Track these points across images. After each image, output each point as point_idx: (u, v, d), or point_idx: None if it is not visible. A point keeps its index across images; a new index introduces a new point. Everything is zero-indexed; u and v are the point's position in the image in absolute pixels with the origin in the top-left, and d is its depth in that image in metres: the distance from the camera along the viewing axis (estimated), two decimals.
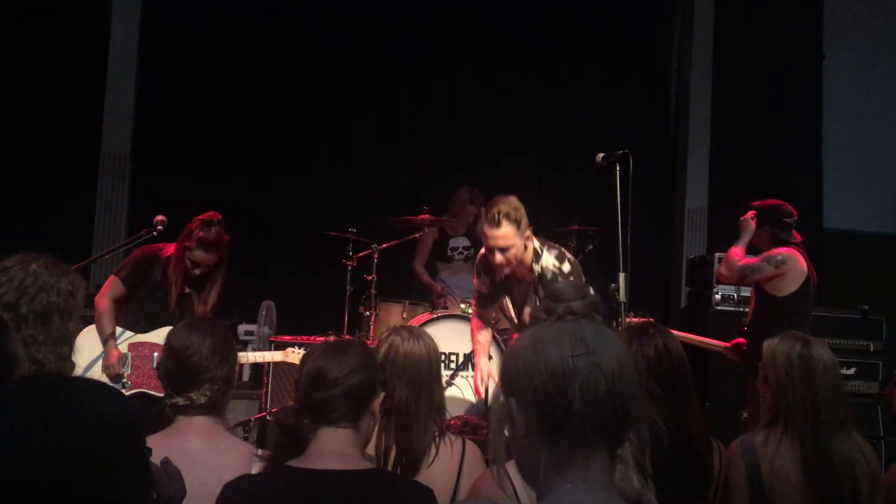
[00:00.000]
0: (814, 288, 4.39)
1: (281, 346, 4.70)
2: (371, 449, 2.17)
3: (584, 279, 3.61)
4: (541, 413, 1.15)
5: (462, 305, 5.27)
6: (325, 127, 6.61)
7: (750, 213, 4.45)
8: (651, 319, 4.04)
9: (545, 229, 4.59)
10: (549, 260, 3.54)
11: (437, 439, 2.26)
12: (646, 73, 7.33)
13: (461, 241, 5.81)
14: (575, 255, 5.40)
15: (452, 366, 4.98)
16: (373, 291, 5.08)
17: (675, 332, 4.37)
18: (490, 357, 4.18)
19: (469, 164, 6.79)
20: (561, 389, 1.13)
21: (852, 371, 5.54)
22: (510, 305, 3.86)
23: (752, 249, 4.46)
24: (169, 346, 2.14)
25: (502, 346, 4.81)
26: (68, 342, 2.21)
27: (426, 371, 2.29)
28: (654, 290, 7.11)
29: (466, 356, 4.90)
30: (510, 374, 1.20)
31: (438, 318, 5.03)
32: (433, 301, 5.46)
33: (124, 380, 3.93)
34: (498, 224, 3.39)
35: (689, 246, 7.12)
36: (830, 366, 2.38)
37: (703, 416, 2.41)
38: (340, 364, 1.86)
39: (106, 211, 6.20)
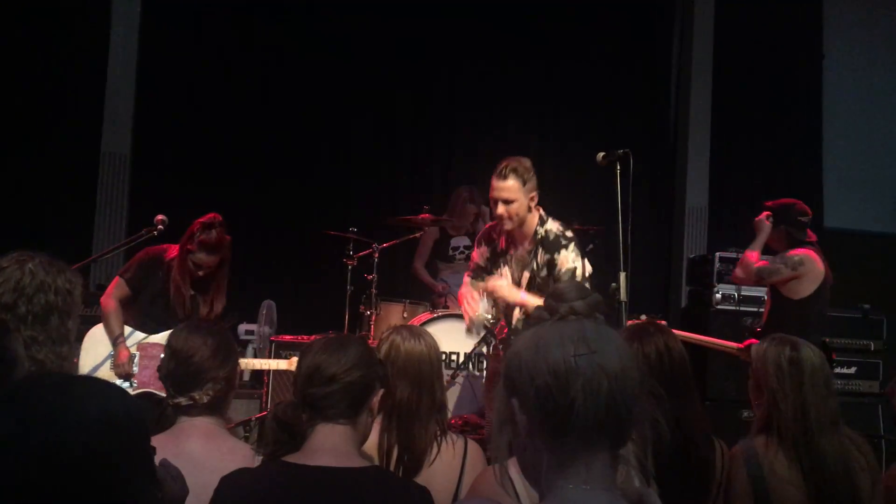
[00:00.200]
0: (829, 288, 4.28)
1: (282, 346, 4.70)
2: (373, 448, 2.17)
3: (583, 252, 3.64)
4: (543, 413, 1.15)
5: None
6: (326, 126, 6.61)
7: (764, 214, 4.34)
8: (664, 322, 3.99)
9: None
10: (553, 224, 3.63)
11: (439, 438, 2.26)
12: (646, 73, 7.33)
13: (462, 241, 5.81)
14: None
15: (453, 365, 4.97)
16: (373, 291, 5.08)
17: (685, 334, 4.38)
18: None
19: (469, 164, 6.79)
20: (563, 389, 1.13)
21: (853, 370, 5.54)
22: None
23: (765, 250, 4.37)
24: (170, 348, 2.15)
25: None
26: (68, 341, 2.19)
27: (427, 370, 2.29)
28: (655, 289, 7.11)
29: (467, 355, 4.90)
30: (512, 373, 1.20)
31: (439, 318, 5.03)
32: (434, 300, 5.46)
33: (132, 379, 3.96)
34: (504, 177, 3.51)
35: (690, 245, 7.13)
36: (819, 367, 2.38)
37: (705, 415, 2.41)
38: (339, 360, 1.85)
39: (106, 210, 6.20)
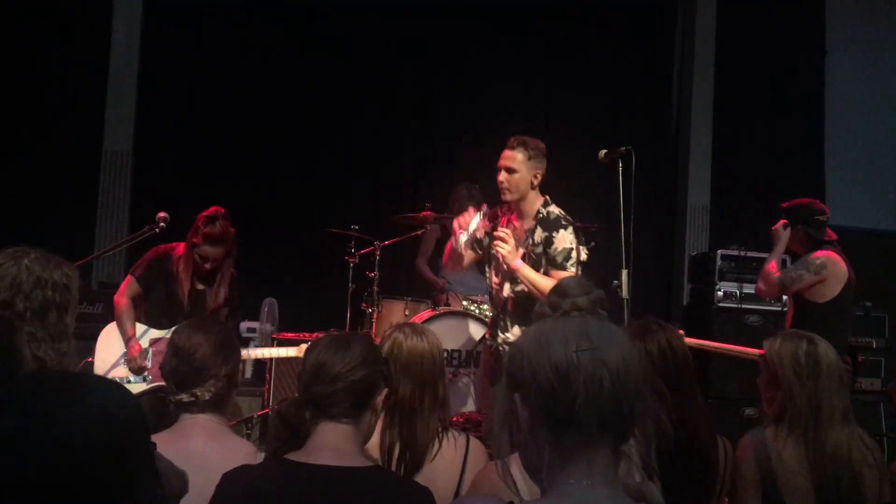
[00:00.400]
0: (853, 288, 4.12)
1: (283, 344, 4.70)
2: (375, 444, 2.17)
3: (580, 241, 3.66)
4: (545, 408, 1.15)
5: (464, 303, 5.27)
6: (327, 124, 6.61)
7: (781, 222, 4.22)
8: (682, 332, 3.92)
9: None
10: (556, 209, 3.68)
11: (441, 435, 2.26)
12: (648, 70, 7.32)
13: None
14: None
15: (454, 363, 4.98)
16: (375, 288, 5.08)
17: (706, 342, 4.33)
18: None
19: (470, 161, 6.78)
20: (565, 385, 1.14)
21: None
22: (493, 274, 3.87)
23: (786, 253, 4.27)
24: (173, 345, 2.15)
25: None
26: (67, 337, 2.17)
27: (430, 367, 2.29)
28: (657, 286, 7.11)
29: (468, 353, 4.90)
30: (515, 369, 1.20)
31: (440, 316, 5.03)
32: (435, 298, 5.46)
33: (145, 373, 4.01)
34: (512, 147, 3.62)
35: (692, 243, 7.13)
36: (835, 362, 2.42)
37: (708, 412, 2.42)
38: (344, 358, 1.84)
39: (108, 208, 6.20)
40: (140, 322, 4.06)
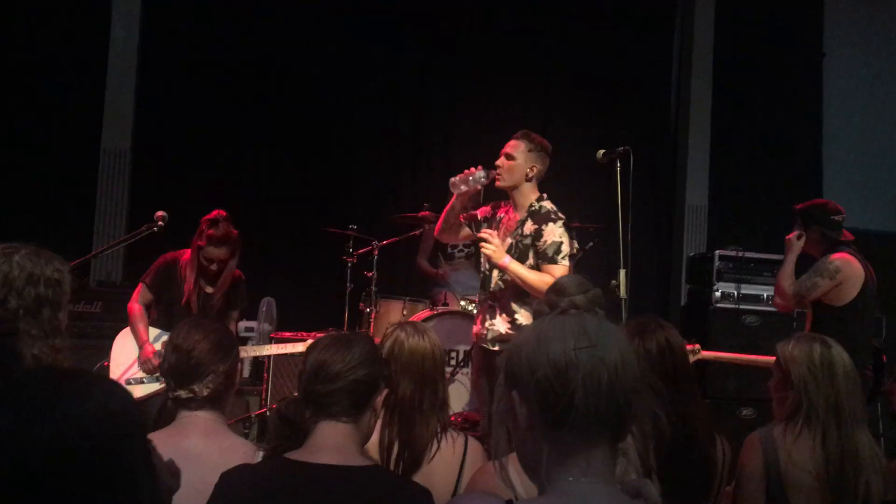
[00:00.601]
0: (874, 288, 3.98)
1: (281, 342, 4.71)
2: (374, 443, 2.17)
3: (571, 236, 3.66)
4: (543, 406, 1.15)
5: (462, 303, 5.27)
6: (326, 123, 6.61)
7: (794, 234, 4.11)
8: (697, 345, 3.89)
9: None
10: (549, 204, 3.69)
11: (440, 434, 2.26)
12: (646, 71, 7.33)
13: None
14: (575, 253, 5.42)
15: (453, 362, 4.98)
16: (373, 288, 5.08)
17: (723, 354, 4.27)
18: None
19: (469, 162, 6.77)
20: (563, 382, 1.14)
21: None
22: (484, 259, 3.86)
23: (803, 257, 4.13)
24: (171, 343, 2.15)
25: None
26: (60, 333, 2.14)
27: (430, 367, 2.29)
28: (655, 287, 7.12)
29: (467, 353, 4.90)
30: (513, 366, 1.20)
31: (438, 315, 5.03)
32: (433, 298, 5.46)
33: (158, 374, 4.05)
34: (517, 137, 3.70)
35: (690, 243, 7.14)
36: (850, 363, 2.44)
37: (707, 411, 2.42)
38: (345, 357, 1.84)
39: (106, 207, 6.20)
40: (153, 326, 4.18)
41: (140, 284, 4.20)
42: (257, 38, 6.52)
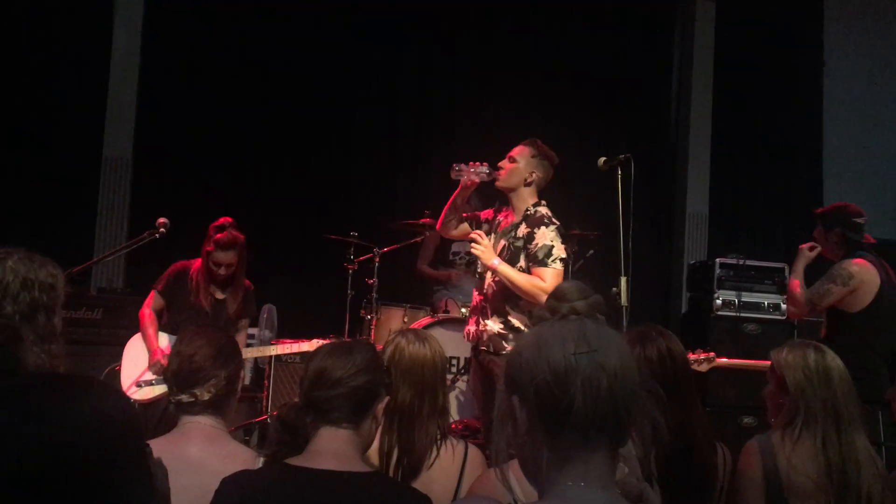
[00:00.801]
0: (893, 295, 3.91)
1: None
2: (373, 449, 2.17)
3: (564, 241, 3.69)
4: (542, 410, 1.16)
5: (463, 310, 5.27)
6: (327, 130, 6.62)
7: (808, 245, 4.09)
8: (712, 353, 3.86)
9: None
10: (545, 209, 3.74)
11: (439, 441, 2.26)
12: (647, 78, 7.34)
13: (462, 246, 5.80)
14: (576, 260, 5.42)
15: (453, 370, 4.97)
16: (374, 295, 5.08)
17: (735, 361, 4.25)
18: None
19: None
20: (563, 387, 1.14)
21: None
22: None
23: (820, 260, 4.12)
24: (175, 349, 2.17)
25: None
26: (55, 338, 2.13)
27: (430, 374, 2.29)
28: (655, 294, 7.11)
29: (467, 360, 4.89)
30: (513, 371, 1.21)
31: (439, 322, 5.03)
32: (434, 305, 5.46)
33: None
34: (524, 143, 3.77)
35: (690, 251, 7.13)
36: (844, 369, 2.44)
37: (707, 418, 2.42)
38: (346, 364, 1.85)
39: (107, 214, 6.21)
40: (165, 331, 4.29)
41: (152, 291, 4.33)
42: (258, 45, 6.53)
